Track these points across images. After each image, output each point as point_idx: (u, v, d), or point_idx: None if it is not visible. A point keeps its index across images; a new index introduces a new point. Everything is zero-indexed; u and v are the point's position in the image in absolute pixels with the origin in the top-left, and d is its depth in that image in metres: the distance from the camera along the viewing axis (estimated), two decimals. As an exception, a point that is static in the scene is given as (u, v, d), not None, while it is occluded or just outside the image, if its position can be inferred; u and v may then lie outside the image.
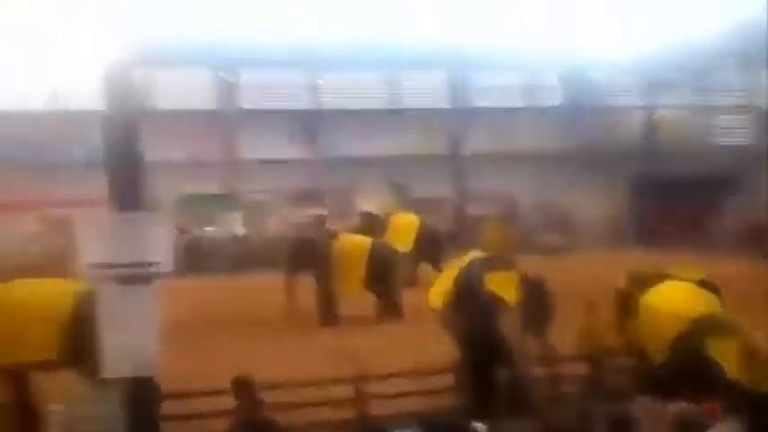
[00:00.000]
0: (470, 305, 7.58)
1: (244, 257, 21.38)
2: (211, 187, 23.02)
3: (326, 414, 7.46)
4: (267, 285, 14.59)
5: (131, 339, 6.51)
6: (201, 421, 7.30)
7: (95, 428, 6.82)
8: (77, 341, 7.56)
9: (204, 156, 22.70)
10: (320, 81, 25.39)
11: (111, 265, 6.43)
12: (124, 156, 6.36)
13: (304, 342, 11.53)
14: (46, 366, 7.78)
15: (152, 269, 6.60)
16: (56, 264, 21.67)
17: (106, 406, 6.79)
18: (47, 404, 7.26)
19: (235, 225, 23.35)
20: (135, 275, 6.50)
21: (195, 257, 19.52)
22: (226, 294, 16.13)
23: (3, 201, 21.22)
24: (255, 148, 23.03)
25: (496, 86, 26.89)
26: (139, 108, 6.94)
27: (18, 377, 7.92)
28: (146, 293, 6.61)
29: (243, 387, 6.65)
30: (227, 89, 24.37)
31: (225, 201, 23.33)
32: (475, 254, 8.18)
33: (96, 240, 6.45)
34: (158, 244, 6.59)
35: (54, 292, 8.10)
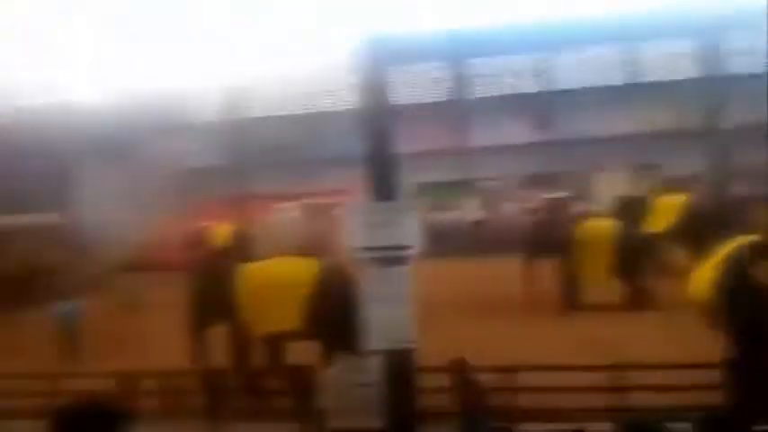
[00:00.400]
0: (742, 296, 6.82)
1: (481, 242, 21.77)
2: (449, 175, 23.80)
3: (574, 401, 7.33)
4: (504, 269, 14.69)
5: (392, 315, 7.14)
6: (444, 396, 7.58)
7: (358, 394, 7.51)
8: (317, 314, 8.46)
9: (441, 145, 23.55)
10: (553, 61, 24.58)
11: (372, 249, 7.14)
12: (380, 149, 6.97)
13: (545, 326, 11.43)
14: (294, 336, 8.76)
15: (407, 252, 7.17)
16: (313, 246, 24.53)
17: (367, 374, 7.50)
18: (320, 369, 8.10)
19: (472, 211, 23.88)
20: (393, 258, 7.12)
21: (435, 242, 20.32)
22: (465, 277, 16.55)
23: (270, 193, 24.45)
24: (490, 134, 23.22)
25: (756, 49, 23.42)
26: (390, 104, 7.47)
27: (274, 345, 9.07)
28: (402, 274, 7.20)
29: (459, 369, 6.84)
30: (459, 79, 24.86)
31: (462, 188, 23.98)
32: (746, 239, 7.32)
33: (360, 227, 7.17)
34: (411, 229, 7.12)
35: (299, 270, 9.05)
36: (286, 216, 25.58)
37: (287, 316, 8.54)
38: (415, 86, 24.84)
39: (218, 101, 24.16)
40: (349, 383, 7.68)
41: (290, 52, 21.98)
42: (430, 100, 24.75)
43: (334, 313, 8.31)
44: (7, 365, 9.42)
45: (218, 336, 9.12)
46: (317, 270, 8.90)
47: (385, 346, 7.30)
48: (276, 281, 8.82)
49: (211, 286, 9.17)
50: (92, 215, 19.58)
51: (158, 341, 10.24)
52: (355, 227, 7.22)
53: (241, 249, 18.73)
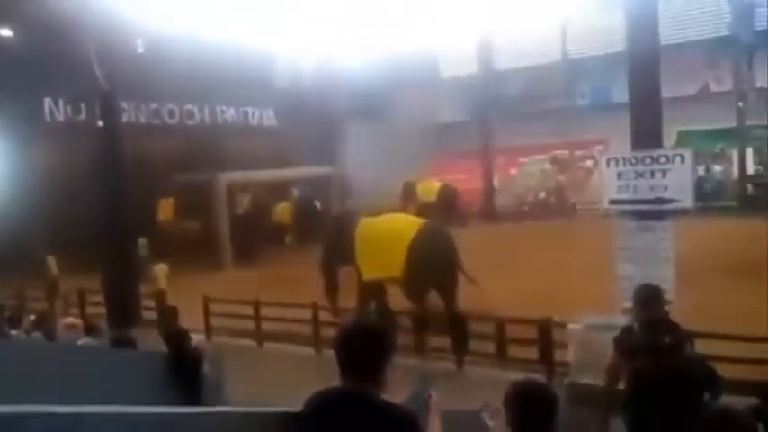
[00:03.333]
0: None
1: (756, 199, 19.02)
2: (718, 122, 20.99)
3: None
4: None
5: (647, 274, 6.68)
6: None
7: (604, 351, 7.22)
8: (414, 264, 9.49)
9: (713, 87, 20.88)
10: None
11: (631, 202, 6.71)
12: (646, 93, 6.43)
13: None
14: (396, 282, 9.89)
15: (670, 206, 6.60)
16: (558, 197, 23.93)
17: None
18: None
19: (745, 163, 20.89)
20: (654, 212, 6.62)
21: (699, 198, 18.24)
22: (732, 239, 14.69)
23: (519, 146, 24.23)
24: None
25: None
26: (659, 44, 6.82)
27: (379, 289, 10.21)
28: (662, 229, 6.68)
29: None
30: (739, 11, 21.39)
31: (733, 136, 20.99)
32: None
33: (617, 177, 6.77)
34: (678, 181, 6.52)
35: (403, 226, 10.35)
36: (531, 169, 25.17)
37: (389, 264, 9.69)
38: (687, 22, 22.08)
39: (468, 55, 24.29)
40: (596, 341, 7.45)
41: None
42: (703, 37, 21.79)
43: (425, 264, 9.38)
44: (276, 295, 10.83)
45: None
46: (416, 226, 10.16)
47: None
48: (383, 234, 10.14)
49: (336, 236, 10.75)
50: (355, 169, 21.62)
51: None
52: (611, 178, 6.85)
53: (445, 204, 20.54)
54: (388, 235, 10.07)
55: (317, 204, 20.67)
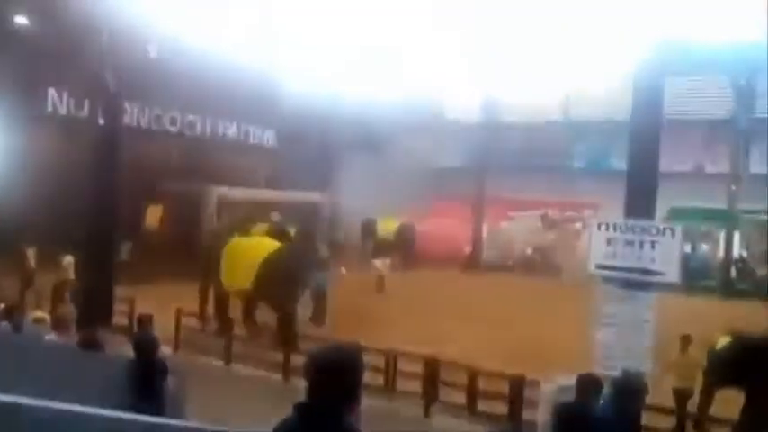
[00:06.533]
0: None
1: (738, 281, 19.19)
2: (712, 202, 21.20)
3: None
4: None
5: (627, 342, 6.68)
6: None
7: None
8: (262, 280, 10.80)
9: (708, 167, 21.22)
10: None
11: (616, 268, 6.74)
12: (644, 165, 6.52)
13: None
14: (247, 294, 11.29)
15: (656, 278, 6.63)
16: (544, 256, 23.96)
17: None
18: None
19: (731, 246, 21.08)
20: (638, 281, 6.64)
21: (683, 274, 18.35)
22: (710, 318, 14.72)
23: (514, 199, 24.38)
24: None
25: None
26: (662, 118, 6.94)
27: (242, 300, 11.52)
28: (645, 299, 6.69)
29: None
30: (741, 96, 21.89)
31: (723, 217, 21.21)
32: None
33: (606, 243, 6.81)
34: (666, 255, 6.56)
35: (263, 246, 11.91)
36: (521, 224, 25.25)
37: (244, 277, 11.10)
38: (690, 100, 22.50)
39: (475, 104, 24.56)
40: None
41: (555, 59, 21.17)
42: (706, 116, 22.23)
43: (270, 280, 10.72)
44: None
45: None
46: (271, 247, 11.72)
47: (615, 371, 6.86)
48: (245, 251, 11.66)
49: (208, 256, 12.21)
50: (347, 199, 21.76)
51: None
52: (600, 242, 6.89)
53: (403, 242, 22.01)
54: (248, 252, 11.61)
55: (291, 233, 20.21)
